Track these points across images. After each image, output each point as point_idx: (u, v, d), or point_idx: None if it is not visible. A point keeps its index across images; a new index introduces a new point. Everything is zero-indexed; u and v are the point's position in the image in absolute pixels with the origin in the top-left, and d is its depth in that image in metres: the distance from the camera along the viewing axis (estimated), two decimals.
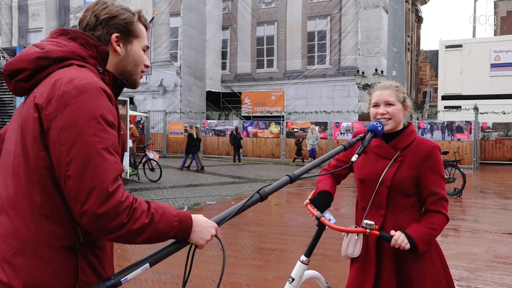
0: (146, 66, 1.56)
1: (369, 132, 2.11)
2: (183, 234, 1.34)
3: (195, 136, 16.28)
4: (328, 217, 2.22)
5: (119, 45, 1.47)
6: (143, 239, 1.27)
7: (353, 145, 2.05)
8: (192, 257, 1.41)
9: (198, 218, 1.39)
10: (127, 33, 1.48)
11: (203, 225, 1.39)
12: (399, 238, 2.05)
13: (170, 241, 1.37)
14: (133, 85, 1.55)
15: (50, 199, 1.25)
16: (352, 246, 2.23)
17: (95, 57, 1.41)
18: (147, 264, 1.33)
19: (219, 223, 1.45)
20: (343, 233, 2.30)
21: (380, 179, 2.19)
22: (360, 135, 2.11)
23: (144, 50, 1.54)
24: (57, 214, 1.25)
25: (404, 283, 2.16)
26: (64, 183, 1.21)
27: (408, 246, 2.03)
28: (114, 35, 1.45)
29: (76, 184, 1.19)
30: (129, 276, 1.28)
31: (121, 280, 1.26)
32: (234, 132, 20.22)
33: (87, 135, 1.21)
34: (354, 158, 2.02)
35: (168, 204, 1.35)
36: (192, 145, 16.20)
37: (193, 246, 1.40)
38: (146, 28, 1.56)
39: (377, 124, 2.14)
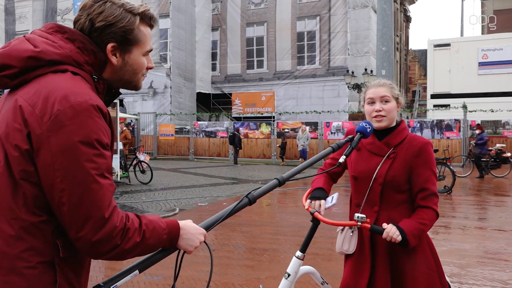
0: (149, 68, 1.43)
1: (358, 133, 2.13)
2: (170, 244, 1.34)
3: None
4: (330, 200, 2.29)
5: (115, 55, 1.33)
6: (133, 255, 1.26)
7: (341, 146, 2.07)
8: (180, 262, 1.41)
9: (187, 225, 1.38)
10: (125, 42, 1.32)
11: (191, 232, 1.38)
12: (390, 230, 2.07)
13: None
14: (135, 89, 1.45)
15: (34, 215, 1.18)
16: (347, 242, 2.26)
17: (91, 64, 1.29)
18: (137, 271, 1.33)
19: (208, 228, 1.45)
20: (338, 229, 2.34)
21: (374, 176, 2.22)
22: (349, 137, 2.13)
23: (146, 55, 1.40)
24: (40, 229, 1.18)
25: (398, 277, 2.19)
26: (58, 208, 1.16)
27: (399, 238, 2.05)
28: (110, 45, 1.30)
29: (72, 212, 1.15)
30: (118, 283, 1.28)
31: (111, 287, 1.26)
32: (235, 132, 20.18)
33: (83, 161, 1.15)
34: (341, 159, 2.03)
35: (157, 216, 1.33)
36: None
37: (181, 252, 1.40)
38: (152, 27, 1.41)
39: (366, 125, 2.15)
